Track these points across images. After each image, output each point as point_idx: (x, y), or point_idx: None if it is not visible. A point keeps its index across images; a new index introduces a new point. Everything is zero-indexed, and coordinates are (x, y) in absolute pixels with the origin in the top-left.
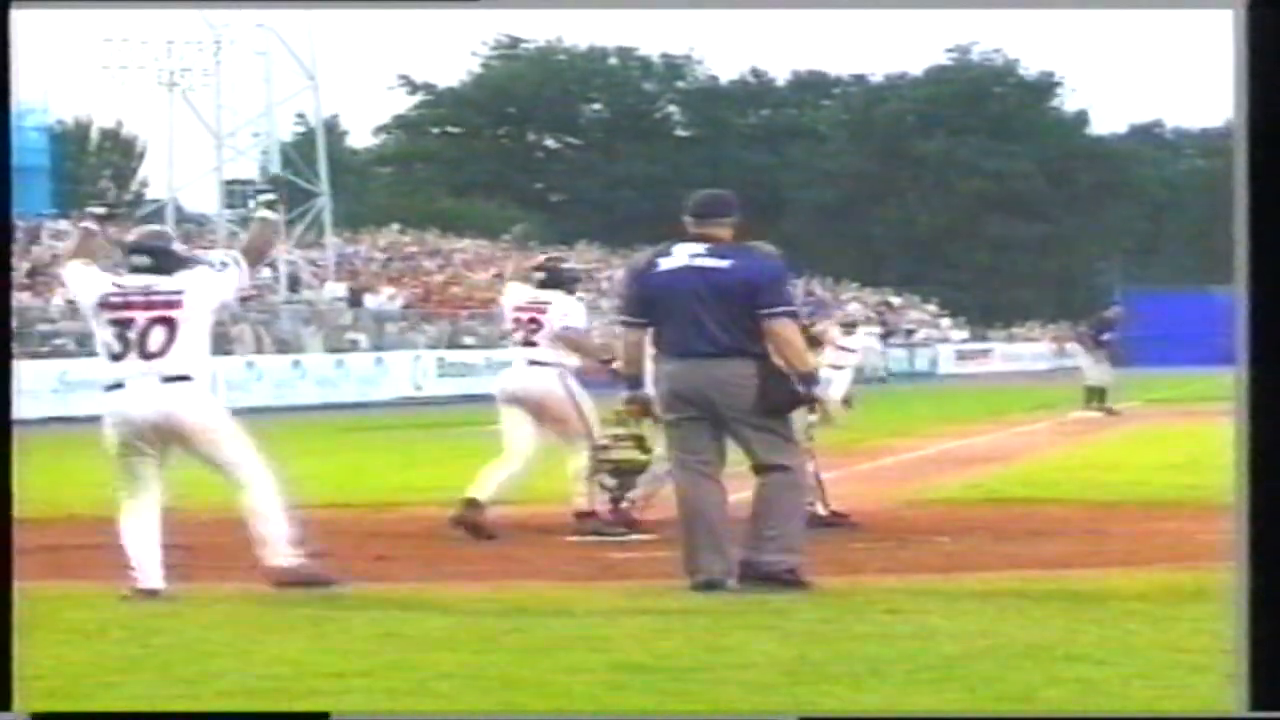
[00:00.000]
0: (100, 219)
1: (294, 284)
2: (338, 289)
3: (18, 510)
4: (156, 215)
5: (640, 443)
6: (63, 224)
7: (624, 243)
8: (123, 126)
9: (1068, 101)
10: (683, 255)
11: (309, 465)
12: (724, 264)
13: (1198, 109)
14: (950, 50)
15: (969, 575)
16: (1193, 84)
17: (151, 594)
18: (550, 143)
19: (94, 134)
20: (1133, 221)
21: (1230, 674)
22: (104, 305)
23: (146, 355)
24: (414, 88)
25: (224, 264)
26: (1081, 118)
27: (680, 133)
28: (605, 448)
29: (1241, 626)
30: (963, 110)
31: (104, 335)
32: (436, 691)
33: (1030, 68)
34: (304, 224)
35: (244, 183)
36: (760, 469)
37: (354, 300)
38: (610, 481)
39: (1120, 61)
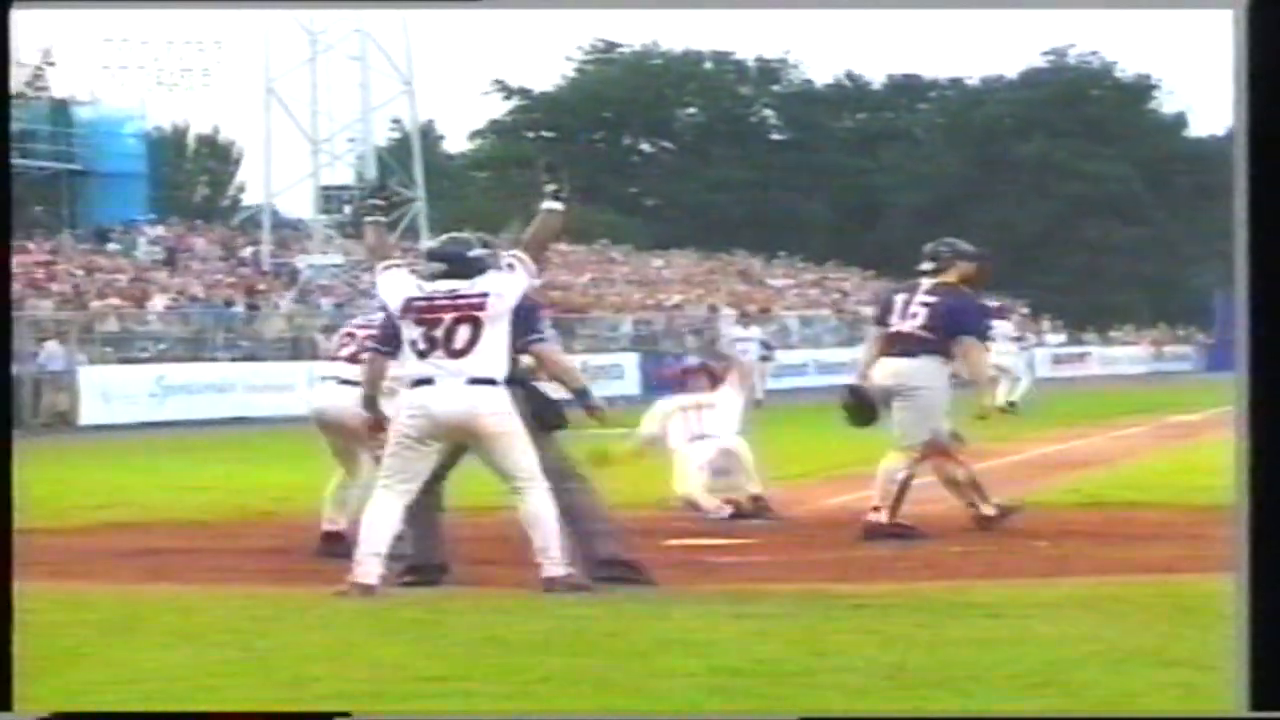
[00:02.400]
0: (383, 210)
1: None
2: None
3: (112, 515)
4: (252, 221)
5: None
6: (159, 229)
7: (719, 247)
8: (219, 132)
9: (1166, 104)
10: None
11: None
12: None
13: None
14: (1046, 53)
15: (1069, 580)
16: None
17: (367, 590)
18: (645, 147)
19: (190, 140)
20: (1231, 224)
21: None
22: (409, 308)
23: (453, 353)
24: (509, 92)
25: (510, 265)
26: (1180, 120)
27: (775, 136)
28: None
29: (1242, 627)
30: (1059, 113)
31: (410, 334)
32: (536, 695)
33: (1128, 70)
34: (400, 229)
35: (340, 188)
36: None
37: None
38: None
39: (1218, 63)
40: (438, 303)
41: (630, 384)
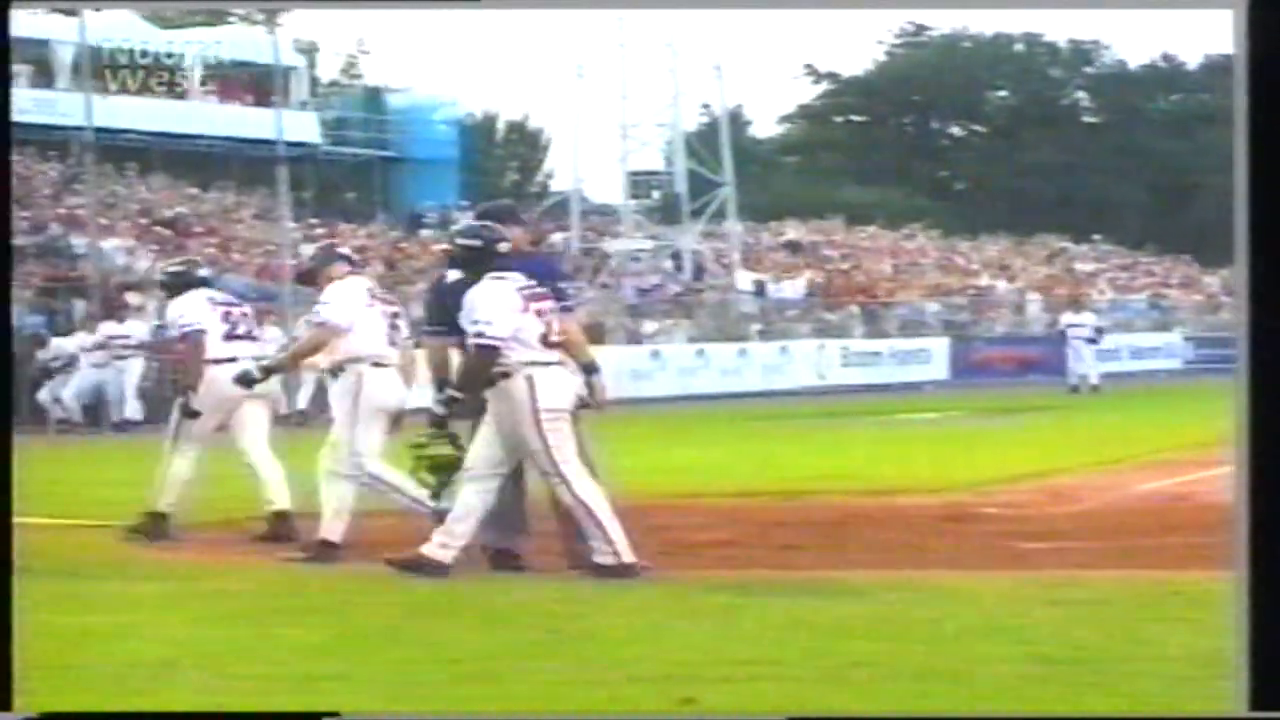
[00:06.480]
0: None
1: (699, 273)
2: (747, 278)
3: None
4: (561, 206)
5: (454, 440)
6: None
7: (1030, 231)
8: (529, 118)
9: None
10: None
11: (715, 454)
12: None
13: None
14: None
15: None
16: None
17: (627, 570)
18: (955, 130)
19: (501, 126)
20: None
21: None
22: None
23: (549, 345)
24: (818, 77)
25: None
26: None
27: (1088, 119)
28: (422, 445)
29: (1241, 626)
30: None
31: (533, 329)
32: (849, 680)
33: None
34: (708, 213)
35: (648, 173)
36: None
37: (759, 290)
38: (430, 479)
39: None
40: (537, 291)
41: (939, 368)
